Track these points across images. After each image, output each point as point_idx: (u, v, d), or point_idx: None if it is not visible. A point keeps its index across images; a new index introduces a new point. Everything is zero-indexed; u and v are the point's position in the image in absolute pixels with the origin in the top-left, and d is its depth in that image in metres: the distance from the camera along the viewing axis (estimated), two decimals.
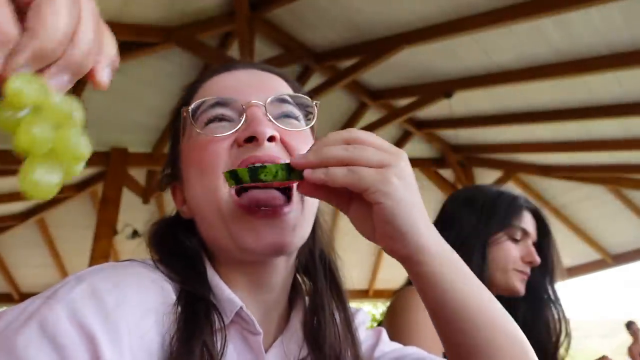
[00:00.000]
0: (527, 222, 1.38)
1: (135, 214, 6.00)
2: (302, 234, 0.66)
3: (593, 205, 6.40)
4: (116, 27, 3.76)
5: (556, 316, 1.38)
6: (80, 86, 4.22)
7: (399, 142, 5.79)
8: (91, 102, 4.47)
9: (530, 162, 5.98)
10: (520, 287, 1.34)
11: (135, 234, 6.26)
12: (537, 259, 1.35)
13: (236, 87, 0.70)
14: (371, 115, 5.20)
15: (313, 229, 0.72)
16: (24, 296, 8.00)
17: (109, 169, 5.16)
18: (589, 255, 7.26)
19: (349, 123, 5.22)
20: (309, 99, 0.72)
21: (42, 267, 7.56)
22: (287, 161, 0.58)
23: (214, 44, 4.31)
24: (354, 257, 6.87)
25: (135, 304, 0.54)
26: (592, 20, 3.54)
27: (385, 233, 0.57)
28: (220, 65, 0.76)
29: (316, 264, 0.74)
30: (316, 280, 0.73)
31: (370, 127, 5.05)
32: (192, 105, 0.68)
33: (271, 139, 0.64)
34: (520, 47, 3.96)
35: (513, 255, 1.34)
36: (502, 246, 1.34)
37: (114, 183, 5.16)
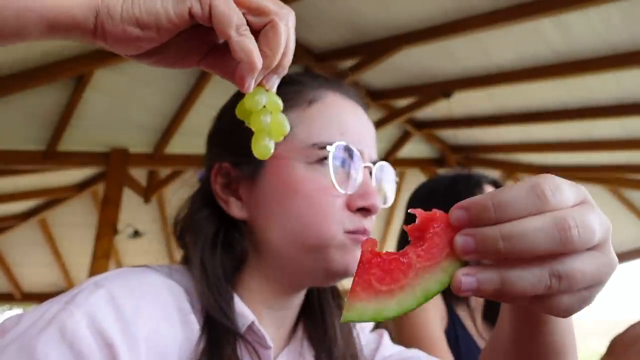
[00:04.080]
0: None
1: (136, 213, 6.02)
2: None
3: None
4: None
5: None
6: (80, 87, 4.24)
7: (399, 142, 5.81)
8: (92, 102, 4.49)
9: (529, 162, 5.98)
10: None
11: (136, 233, 6.28)
12: None
13: (360, 131, 0.73)
14: (371, 115, 5.11)
15: None
16: (25, 296, 8.02)
17: (109, 169, 5.16)
18: None
19: None
20: (394, 172, 0.77)
21: (44, 267, 7.58)
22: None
23: None
24: None
25: (152, 312, 0.55)
26: (591, 21, 3.55)
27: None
28: (335, 81, 0.77)
29: None
30: (319, 292, 0.74)
31: None
32: (334, 149, 0.67)
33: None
34: (519, 48, 3.96)
35: None
36: None
37: (114, 183, 5.17)
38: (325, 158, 0.66)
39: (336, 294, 0.76)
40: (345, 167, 0.67)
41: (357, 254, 0.62)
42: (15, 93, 4.08)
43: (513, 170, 6.08)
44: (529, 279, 0.36)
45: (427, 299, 0.36)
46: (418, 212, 0.40)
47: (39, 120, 4.60)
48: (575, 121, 4.74)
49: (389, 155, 5.88)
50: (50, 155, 4.86)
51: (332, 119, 0.70)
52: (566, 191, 0.37)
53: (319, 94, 0.72)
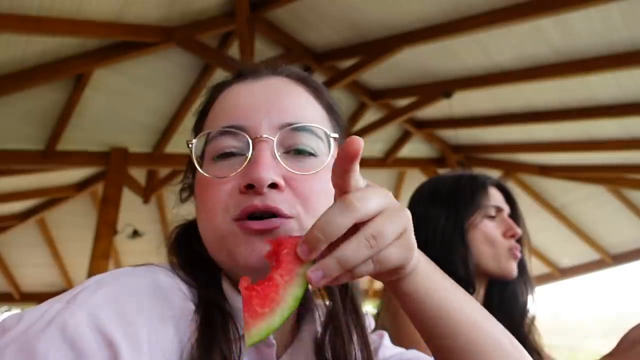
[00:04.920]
0: (495, 197, 1.34)
1: (135, 213, 6.02)
2: None
3: (593, 205, 6.40)
4: (116, 27, 3.77)
5: (525, 292, 1.33)
6: (80, 86, 4.23)
7: (399, 142, 5.81)
8: (92, 102, 4.48)
9: (530, 162, 5.98)
10: (513, 267, 1.29)
11: (135, 233, 6.27)
12: (518, 230, 1.29)
13: (248, 107, 0.65)
14: (371, 115, 5.20)
15: None
16: (24, 296, 8.02)
17: (109, 169, 5.16)
18: (588, 255, 7.26)
19: (349, 123, 5.23)
20: (325, 131, 0.66)
21: (43, 267, 7.58)
22: (298, 293, 0.49)
23: (214, 44, 4.31)
24: None
25: (155, 311, 0.54)
26: (592, 21, 3.54)
27: (385, 278, 0.58)
28: (237, 72, 0.72)
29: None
30: (333, 298, 0.71)
31: (370, 127, 5.06)
32: (195, 141, 0.66)
33: (273, 186, 0.60)
34: (520, 47, 3.96)
35: (493, 232, 1.29)
36: (480, 226, 1.29)
37: (114, 183, 5.17)
38: (218, 156, 0.64)
39: (357, 311, 0.72)
40: (217, 154, 0.64)
41: (254, 243, 0.59)
42: (14, 92, 4.07)
43: (513, 170, 6.08)
44: (354, 247, 0.46)
45: (298, 301, 0.49)
46: (270, 241, 0.53)
47: (38, 119, 4.60)
48: (575, 121, 4.74)
49: (389, 155, 5.88)
50: (50, 155, 4.86)
51: (219, 113, 0.68)
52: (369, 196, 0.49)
53: (217, 95, 0.71)
